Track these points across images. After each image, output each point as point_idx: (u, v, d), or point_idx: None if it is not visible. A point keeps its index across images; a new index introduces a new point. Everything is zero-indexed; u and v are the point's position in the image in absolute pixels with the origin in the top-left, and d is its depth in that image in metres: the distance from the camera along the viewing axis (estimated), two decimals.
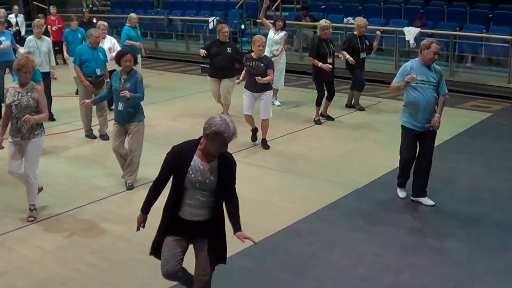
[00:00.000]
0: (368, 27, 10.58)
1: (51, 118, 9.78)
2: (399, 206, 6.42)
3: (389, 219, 6.11)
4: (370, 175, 7.22)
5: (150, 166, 7.17)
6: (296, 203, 6.48)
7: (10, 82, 6.43)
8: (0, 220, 6.07)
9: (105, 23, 10.44)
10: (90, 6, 19.86)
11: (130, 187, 6.93)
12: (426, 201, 6.37)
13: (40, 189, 6.36)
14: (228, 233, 4.31)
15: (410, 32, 12.51)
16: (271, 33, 10.89)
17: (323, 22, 9.64)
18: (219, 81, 9.61)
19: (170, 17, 17.54)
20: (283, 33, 10.90)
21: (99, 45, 9.26)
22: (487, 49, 12.22)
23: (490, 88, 11.57)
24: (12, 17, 15.99)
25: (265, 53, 10.40)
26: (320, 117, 9.80)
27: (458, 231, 5.77)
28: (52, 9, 15.73)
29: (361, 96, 10.74)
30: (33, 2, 19.74)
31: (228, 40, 9.65)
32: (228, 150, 4.03)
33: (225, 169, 3.95)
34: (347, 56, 9.84)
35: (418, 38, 12.17)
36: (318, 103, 9.70)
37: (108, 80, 8.11)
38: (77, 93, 11.69)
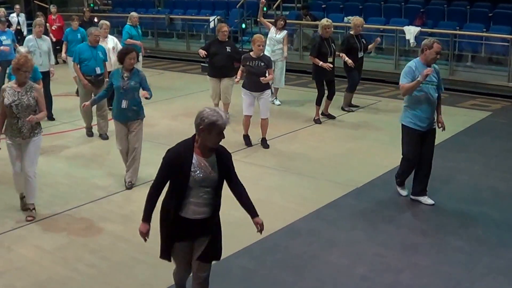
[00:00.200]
0: (368, 26, 10.59)
1: (51, 117, 9.79)
2: (399, 206, 6.41)
3: (389, 218, 6.10)
4: (370, 175, 7.21)
5: (150, 165, 7.16)
6: (296, 203, 6.48)
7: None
8: None
9: (107, 22, 10.45)
10: (92, 5, 19.86)
11: (130, 186, 6.93)
12: (426, 200, 6.37)
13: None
14: (227, 232, 4.32)
15: (410, 31, 12.50)
16: (272, 33, 10.86)
17: (325, 21, 9.62)
18: (219, 81, 9.60)
19: (171, 16, 17.54)
20: (284, 32, 10.90)
21: (102, 44, 9.30)
22: (487, 48, 12.21)
23: (490, 87, 11.56)
24: (13, 16, 16.00)
25: (267, 53, 10.45)
26: (321, 116, 9.79)
27: (458, 231, 5.77)
28: (53, 8, 15.73)
29: (361, 95, 10.74)
30: (34, 1, 19.73)
31: (227, 39, 9.64)
32: (228, 150, 4.06)
33: (223, 160, 3.98)
34: (346, 58, 9.78)
35: (419, 37, 12.17)
36: (318, 102, 9.69)
37: (107, 79, 8.12)
38: (77, 92, 11.71)
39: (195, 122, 3.88)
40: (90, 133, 9.11)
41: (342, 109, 10.40)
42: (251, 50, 8.43)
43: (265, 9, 15.85)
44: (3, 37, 10.73)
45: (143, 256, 5.31)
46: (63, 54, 11.71)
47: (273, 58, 10.78)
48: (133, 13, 12.22)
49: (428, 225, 6.00)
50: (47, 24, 14.71)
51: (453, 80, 11.78)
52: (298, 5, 15.82)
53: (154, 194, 4.02)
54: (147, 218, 4.06)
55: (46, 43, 9.87)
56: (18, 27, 15.92)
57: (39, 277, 4.98)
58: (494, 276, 4.93)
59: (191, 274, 4.19)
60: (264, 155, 8.11)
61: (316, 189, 6.91)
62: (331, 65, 9.42)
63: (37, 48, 9.61)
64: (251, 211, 4.15)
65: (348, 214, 6.18)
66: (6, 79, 8.08)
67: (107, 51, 10.05)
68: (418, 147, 6.28)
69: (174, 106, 10.90)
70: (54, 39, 14.59)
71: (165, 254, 4.16)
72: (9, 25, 14.19)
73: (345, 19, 13.61)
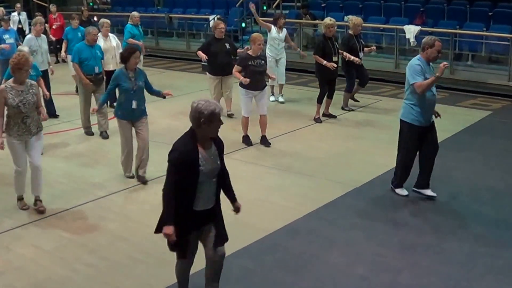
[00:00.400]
0: (368, 25, 10.56)
1: (55, 114, 9.89)
2: (398, 205, 6.40)
3: (388, 218, 6.10)
4: (369, 174, 7.20)
5: (150, 164, 7.20)
6: (295, 202, 6.47)
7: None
8: None
9: (108, 21, 10.46)
10: (91, 4, 19.83)
11: (145, 181, 7.00)
12: (429, 192, 6.47)
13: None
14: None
15: (411, 31, 12.48)
16: (274, 32, 10.85)
17: (328, 20, 9.58)
18: (221, 79, 9.61)
19: (170, 15, 17.51)
20: (285, 30, 10.97)
21: (106, 42, 9.29)
22: (487, 47, 12.19)
23: (490, 86, 11.55)
24: (14, 15, 15.98)
25: (272, 53, 10.77)
26: (322, 116, 9.78)
27: (457, 230, 5.76)
28: (52, 7, 15.71)
29: (361, 94, 10.73)
30: (34, 0, 19.71)
31: (224, 36, 9.66)
32: (227, 149, 4.15)
33: (220, 147, 4.13)
34: (352, 57, 9.75)
35: (419, 37, 12.15)
36: (320, 101, 9.68)
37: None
38: (76, 91, 11.71)
39: (192, 117, 3.93)
40: (90, 132, 9.10)
41: (342, 109, 10.39)
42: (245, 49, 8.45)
43: (264, 8, 15.88)
44: (6, 36, 10.74)
45: (142, 255, 5.30)
46: (63, 53, 11.71)
47: (277, 57, 10.92)
48: (134, 13, 12.22)
49: (427, 224, 5.99)
50: (46, 24, 14.71)
51: (453, 79, 11.76)
52: (297, 4, 15.80)
53: (171, 195, 4.01)
54: (171, 220, 4.03)
55: (45, 42, 9.89)
56: (20, 26, 15.89)
57: (38, 277, 4.98)
58: (493, 275, 4.92)
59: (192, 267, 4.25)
60: (264, 155, 8.10)
61: (315, 188, 6.90)
62: (335, 65, 9.44)
63: (38, 47, 9.62)
64: (233, 197, 4.32)
65: (347, 214, 6.17)
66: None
67: (112, 49, 10.13)
68: (417, 145, 6.34)
69: (175, 105, 10.85)
70: (53, 38, 14.60)
71: (182, 250, 4.19)
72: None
73: (345, 18, 13.58)
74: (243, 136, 8.48)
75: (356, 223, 5.95)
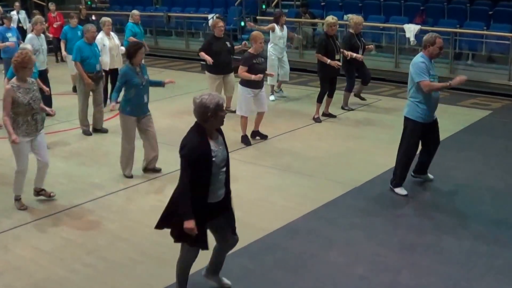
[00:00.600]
0: (368, 24, 10.54)
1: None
2: (398, 205, 6.39)
3: (388, 218, 6.08)
4: (369, 174, 7.18)
5: None
6: (295, 202, 6.45)
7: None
8: None
9: (110, 19, 10.52)
10: (89, 3, 19.79)
11: (160, 169, 7.20)
12: (429, 176, 6.85)
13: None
14: None
15: (410, 30, 12.45)
16: (278, 31, 10.92)
17: (330, 18, 9.56)
18: (222, 78, 9.63)
19: (169, 14, 17.49)
20: (285, 28, 11.08)
21: (110, 40, 9.50)
22: (487, 47, 12.16)
23: (490, 85, 11.53)
24: (14, 14, 15.95)
25: (278, 52, 10.92)
26: (321, 116, 9.77)
27: (457, 230, 5.75)
28: (51, 6, 15.67)
29: (362, 93, 10.71)
30: None
31: (223, 35, 9.67)
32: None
33: (223, 135, 4.27)
34: (355, 55, 9.76)
35: (419, 36, 12.12)
36: (320, 100, 9.66)
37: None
38: (74, 90, 11.71)
39: (198, 112, 4.04)
40: (88, 132, 9.08)
41: (342, 108, 10.37)
42: (246, 48, 8.46)
43: (263, 6, 15.88)
44: (9, 34, 10.75)
45: (141, 256, 5.29)
46: (63, 52, 11.65)
47: (280, 55, 11.04)
48: (135, 11, 12.24)
49: (427, 224, 5.98)
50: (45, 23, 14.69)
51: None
52: (297, 3, 15.78)
53: (188, 191, 4.06)
54: (191, 214, 4.07)
55: (44, 41, 9.90)
56: (20, 25, 15.87)
57: (37, 277, 4.96)
58: (493, 275, 4.91)
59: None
60: (263, 154, 8.09)
61: (315, 188, 6.89)
62: (340, 63, 9.46)
63: (40, 46, 9.62)
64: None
65: (347, 213, 6.16)
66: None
67: (116, 47, 10.21)
68: (418, 140, 6.51)
69: (174, 105, 10.86)
70: (51, 37, 14.56)
71: (203, 242, 4.23)
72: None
73: (344, 17, 13.56)
74: (242, 136, 8.47)
75: (356, 222, 5.94)
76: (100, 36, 10.21)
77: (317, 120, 9.65)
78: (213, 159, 4.05)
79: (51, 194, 6.44)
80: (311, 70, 13.12)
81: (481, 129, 9.30)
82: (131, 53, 6.82)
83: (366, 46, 10.26)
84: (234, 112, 9.68)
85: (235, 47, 9.97)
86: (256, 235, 5.59)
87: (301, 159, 7.86)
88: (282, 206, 6.36)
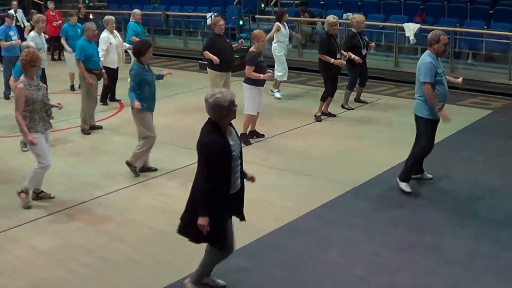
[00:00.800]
0: (367, 23, 10.50)
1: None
2: (397, 205, 6.36)
3: (387, 218, 6.05)
4: (369, 173, 7.15)
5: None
6: (294, 202, 6.43)
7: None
8: None
9: (113, 18, 10.63)
10: (87, 1, 19.75)
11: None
12: (427, 175, 6.88)
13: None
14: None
15: (410, 28, 12.41)
16: (283, 29, 11.06)
17: (331, 18, 9.54)
18: (226, 75, 9.61)
19: (167, 12, 17.43)
20: (286, 25, 11.19)
21: (114, 39, 9.67)
22: (487, 46, 12.12)
23: (491, 85, 11.48)
24: (11, 13, 15.90)
25: (284, 50, 11.11)
26: (321, 115, 9.74)
27: (456, 230, 5.72)
28: (50, 4, 15.61)
29: (360, 92, 10.69)
30: None
31: (223, 33, 9.68)
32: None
33: (235, 130, 4.39)
34: (353, 56, 9.76)
35: (418, 35, 12.10)
36: (324, 99, 9.63)
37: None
38: (71, 88, 11.69)
39: (213, 111, 4.13)
40: (86, 132, 9.07)
41: (342, 106, 10.35)
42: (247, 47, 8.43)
43: (262, 5, 15.84)
44: (11, 33, 10.73)
45: (139, 256, 5.26)
46: (69, 49, 11.50)
47: (285, 53, 11.21)
48: (136, 10, 12.25)
49: (426, 224, 5.96)
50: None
51: (453, 77, 11.69)
52: (296, 1, 15.74)
53: (209, 189, 4.15)
54: (207, 212, 4.17)
55: (44, 39, 9.90)
56: (17, 23, 15.82)
57: (34, 277, 4.94)
58: (492, 276, 4.89)
59: None
60: (262, 154, 8.05)
61: (314, 188, 6.86)
62: (344, 62, 9.48)
63: (42, 44, 9.62)
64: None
65: (346, 213, 6.13)
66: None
67: (120, 45, 10.33)
68: (435, 134, 6.54)
69: (172, 104, 10.82)
70: (47, 36, 14.53)
71: (224, 242, 4.33)
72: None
73: (344, 15, 13.53)
74: (242, 134, 8.37)
75: (355, 223, 5.91)
76: (106, 34, 10.26)
77: (317, 119, 9.60)
78: (233, 153, 4.18)
79: (51, 196, 6.40)
80: (310, 69, 13.10)
81: (481, 128, 9.27)
82: (141, 52, 6.87)
83: (369, 44, 10.25)
84: None
85: (233, 46, 9.95)
86: (255, 235, 5.56)
87: (301, 159, 7.82)
88: (281, 206, 6.33)
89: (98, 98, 9.38)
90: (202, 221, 4.14)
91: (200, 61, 14.52)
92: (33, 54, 5.96)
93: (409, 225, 5.94)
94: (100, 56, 9.49)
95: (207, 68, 9.67)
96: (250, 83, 8.20)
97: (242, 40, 10.48)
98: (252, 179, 4.55)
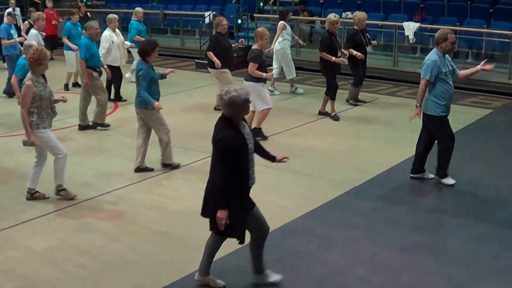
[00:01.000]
0: (367, 21, 10.45)
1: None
2: (397, 204, 6.30)
3: (388, 217, 5.98)
4: (369, 173, 7.09)
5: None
6: (293, 201, 6.36)
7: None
8: None
9: (116, 16, 10.66)
10: (84, 0, 19.66)
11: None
12: (429, 175, 6.85)
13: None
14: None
15: (410, 27, 12.35)
16: (288, 27, 11.16)
17: (333, 16, 9.55)
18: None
19: (165, 11, 17.36)
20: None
21: (117, 37, 9.77)
22: (487, 45, 12.08)
23: (491, 84, 11.43)
24: (12, 11, 15.81)
25: (288, 49, 11.22)
26: (318, 114, 9.66)
27: (458, 230, 5.66)
28: (49, 3, 15.50)
29: (360, 92, 10.62)
30: None
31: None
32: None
33: (247, 124, 4.49)
34: (355, 52, 9.75)
35: (418, 33, 12.04)
36: (333, 97, 9.55)
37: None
38: (65, 88, 11.63)
39: (229, 109, 4.19)
40: (84, 129, 9.03)
41: (347, 101, 10.33)
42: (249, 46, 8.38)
43: (261, 4, 15.77)
44: (12, 31, 10.68)
45: (134, 256, 5.19)
46: (74, 47, 11.33)
47: (289, 51, 11.28)
48: (139, 9, 12.22)
49: (428, 224, 5.89)
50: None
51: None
52: (295, 0, 15.67)
53: (227, 183, 4.20)
54: (226, 205, 4.24)
55: (41, 38, 9.86)
56: (14, 22, 15.73)
57: (28, 278, 4.85)
58: (495, 276, 4.81)
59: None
60: None
61: (314, 187, 6.79)
62: (345, 60, 9.47)
63: (43, 43, 9.58)
64: (271, 155, 4.71)
65: (346, 213, 6.06)
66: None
67: (122, 43, 10.20)
68: (451, 129, 6.64)
69: (170, 103, 10.68)
70: (44, 35, 14.44)
71: (244, 234, 4.43)
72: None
73: (343, 14, 13.46)
74: (257, 128, 8.29)
75: (356, 222, 5.84)
76: (108, 32, 10.24)
77: (334, 118, 9.49)
78: (249, 146, 4.28)
79: (46, 196, 6.33)
80: (308, 68, 13.05)
81: (481, 128, 9.22)
82: (148, 52, 6.96)
83: (371, 42, 10.21)
84: None
85: (232, 45, 9.96)
86: None
87: (300, 158, 7.73)
88: (281, 205, 6.25)
89: (106, 95, 9.26)
90: (221, 214, 4.21)
91: (196, 60, 14.45)
92: (40, 52, 6.00)
93: (411, 225, 5.87)
94: (100, 54, 9.42)
95: (208, 68, 9.66)
96: (255, 80, 8.19)
97: (242, 39, 10.46)
98: (282, 160, 4.71)
